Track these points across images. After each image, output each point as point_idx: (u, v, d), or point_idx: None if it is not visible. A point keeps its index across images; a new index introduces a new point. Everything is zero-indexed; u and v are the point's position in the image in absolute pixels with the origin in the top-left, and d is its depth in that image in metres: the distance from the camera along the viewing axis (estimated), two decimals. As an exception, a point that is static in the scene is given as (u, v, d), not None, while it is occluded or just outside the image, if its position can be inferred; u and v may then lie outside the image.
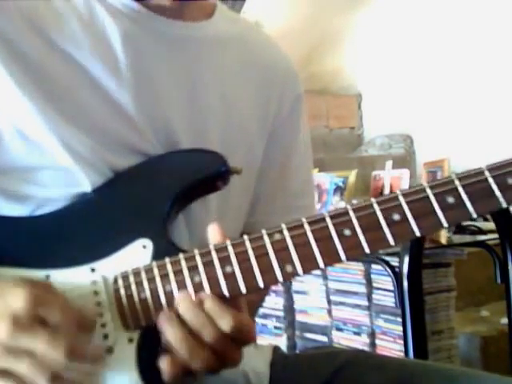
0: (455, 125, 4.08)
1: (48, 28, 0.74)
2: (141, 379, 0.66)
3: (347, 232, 0.64)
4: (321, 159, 3.37)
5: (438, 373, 0.87)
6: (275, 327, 2.21)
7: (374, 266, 1.90)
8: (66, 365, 0.61)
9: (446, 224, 0.63)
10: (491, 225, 2.09)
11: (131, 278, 0.68)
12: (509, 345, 1.96)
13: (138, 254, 0.70)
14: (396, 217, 0.64)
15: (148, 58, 0.78)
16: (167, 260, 0.68)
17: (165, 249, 0.70)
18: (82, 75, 0.74)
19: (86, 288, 0.69)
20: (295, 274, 0.65)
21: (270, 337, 2.21)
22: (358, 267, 1.94)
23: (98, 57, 0.75)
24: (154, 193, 0.74)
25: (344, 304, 2.00)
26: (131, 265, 0.69)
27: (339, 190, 2.17)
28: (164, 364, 0.64)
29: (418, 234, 0.63)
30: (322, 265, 0.65)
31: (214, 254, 0.67)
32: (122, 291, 0.68)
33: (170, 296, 0.66)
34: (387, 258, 1.77)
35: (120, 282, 0.68)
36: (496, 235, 2.00)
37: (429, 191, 0.64)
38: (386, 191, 2.01)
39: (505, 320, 2.04)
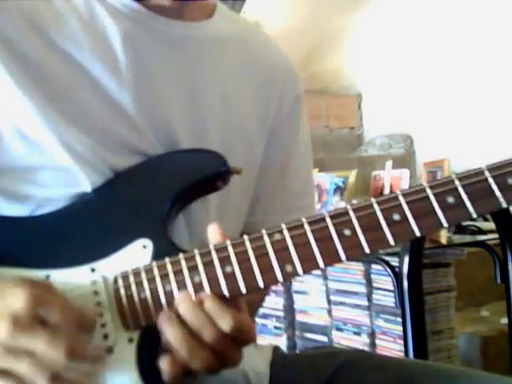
0: (455, 125, 4.08)
1: (48, 28, 0.74)
2: (141, 379, 0.66)
3: (347, 232, 0.64)
4: (321, 159, 3.37)
5: (438, 373, 0.87)
6: (275, 327, 2.21)
7: (374, 266, 1.90)
8: (65, 365, 0.61)
9: (445, 224, 0.63)
10: (491, 225, 2.09)
11: (131, 278, 0.68)
12: (509, 345, 1.96)
13: (137, 254, 0.70)
14: (396, 217, 0.64)
15: (148, 58, 0.78)
16: (167, 260, 0.68)
17: (165, 249, 0.70)
18: (82, 75, 0.74)
19: (86, 288, 0.69)
20: (295, 273, 0.65)
21: (270, 337, 2.21)
22: (358, 267, 1.94)
23: (97, 57, 0.75)
24: (153, 193, 0.73)
25: (344, 304, 2.00)
26: (131, 265, 0.69)
27: (339, 190, 2.17)
28: (164, 364, 0.64)
29: (417, 234, 0.63)
30: (321, 265, 0.65)
31: (213, 254, 0.67)
32: (122, 291, 0.68)
33: (170, 296, 0.66)
34: (387, 258, 1.77)
35: (120, 281, 0.68)
36: (496, 235, 2.00)
37: (429, 191, 0.64)
38: (386, 191, 2.01)
39: (505, 320, 2.04)
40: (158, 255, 0.69)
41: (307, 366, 0.92)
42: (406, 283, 1.65)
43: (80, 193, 0.73)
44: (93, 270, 0.70)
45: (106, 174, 0.74)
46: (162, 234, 0.72)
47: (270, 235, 0.66)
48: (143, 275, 0.68)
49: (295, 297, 2.17)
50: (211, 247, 0.67)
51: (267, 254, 0.65)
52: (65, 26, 0.75)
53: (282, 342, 2.16)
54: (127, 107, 0.75)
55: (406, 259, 1.65)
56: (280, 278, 0.65)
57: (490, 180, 0.63)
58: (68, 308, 0.63)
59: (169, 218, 0.73)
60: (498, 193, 0.62)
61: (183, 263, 0.67)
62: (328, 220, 0.65)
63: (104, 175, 0.74)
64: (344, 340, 2.00)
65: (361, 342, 1.95)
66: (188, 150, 0.79)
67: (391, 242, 0.64)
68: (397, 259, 1.71)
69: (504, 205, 0.62)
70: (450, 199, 0.63)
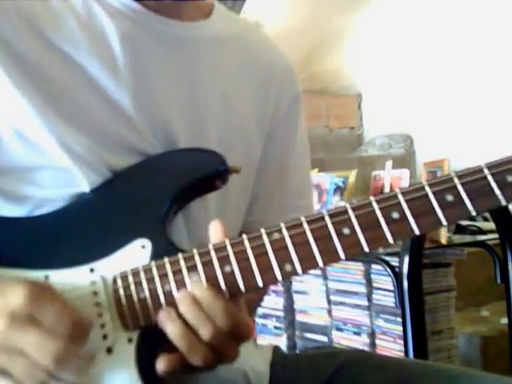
0: (455, 125, 4.08)
1: (46, 28, 0.74)
2: (140, 379, 0.66)
3: (346, 231, 0.64)
4: (321, 159, 3.37)
5: (438, 373, 0.87)
6: (275, 327, 2.21)
7: (374, 266, 1.90)
8: (52, 370, 0.60)
9: (445, 222, 0.63)
10: (491, 225, 2.09)
11: (130, 278, 0.68)
12: (509, 345, 1.96)
13: (136, 254, 0.70)
14: (395, 215, 0.64)
15: (146, 58, 0.78)
16: (166, 260, 0.68)
17: (164, 249, 0.70)
18: (81, 75, 0.74)
19: (85, 288, 0.69)
20: (294, 273, 0.65)
21: (270, 337, 2.22)
22: (357, 267, 1.94)
23: (96, 56, 0.75)
24: (152, 192, 0.73)
25: (344, 304, 2.00)
26: (130, 265, 0.69)
27: (339, 189, 2.17)
28: (161, 364, 0.64)
29: (417, 232, 0.63)
30: (321, 264, 0.65)
31: (213, 254, 0.66)
32: (121, 291, 0.68)
33: (169, 296, 0.66)
34: (387, 258, 1.77)
35: (119, 282, 0.68)
36: (496, 235, 2.00)
37: (428, 189, 0.64)
38: (386, 191, 2.01)
39: (505, 320, 2.04)
40: (156, 255, 0.69)
41: (307, 365, 0.92)
42: (405, 283, 1.65)
43: (79, 193, 0.73)
44: (92, 270, 0.70)
45: (105, 173, 0.74)
46: (161, 234, 0.72)
47: (268, 234, 0.66)
48: (142, 275, 0.68)
49: (295, 297, 2.17)
50: (210, 247, 0.67)
51: (266, 253, 0.65)
52: (63, 25, 0.75)
53: (282, 342, 2.16)
54: (126, 107, 0.75)
55: (406, 259, 1.65)
56: (279, 277, 0.65)
57: (489, 178, 0.63)
58: (65, 311, 0.63)
59: (167, 218, 0.73)
60: (497, 190, 0.62)
61: (182, 263, 0.67)
62: (327, 219, 0.65)
63: (102, 175, 0.74)
64: (344, 340, 2.00)
65: (361, 342, 1.95)
66: (187, 149, 0.79)
67: (390, 240, 0.64)
68: (397, 259, 1.71)
69: (503, 202, 0.62)
70: (449, 197, 0.63)
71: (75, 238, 0.72)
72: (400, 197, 0.64)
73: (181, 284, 0.66)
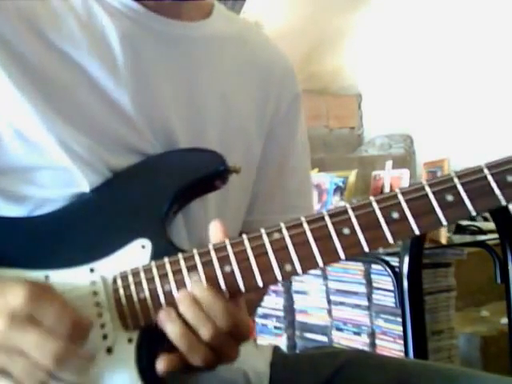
0: (455, 125, 4.08)
1: (46, 28, 0.74)
2: (140, 379, 0.66)
3: (346, 231, 0.64)
4: (321, 159, 3.37)
5: (438, 373, 0.87)
6: (275, 327, 2.21)
7: (374, 266, 1.90)
8: (52, 370, 0.60)
9: (445, 222, 0.63)
10: (491, 225, 2.09)
11: (130, 278, 0.68)
12: (509, 345, 1.96)
13: (136, 254, 0.70)
14: (395, 215, 0.64)
15: (146, 58, 0.78)
16: (166, 260, 0.68)
17: (164, 249, 0.70)
18: (80, 75, 0.74)
19: (85, 288, 0.69)
20: (294, 273, 0.65)
21: (270, 337, 2.22)
22: (357, 267, 1.94)
23: (96, 56, 0.75)
24: (152, 192, 0.73)
25: (344, 304, 2.00)
26: (130, 265, 0.69)
27: (339, 189, 2.17)
28: (161, 364, 0.64)
29: (417, 232, 0.63)
30: (321, 264, 0.65)
31: (213, 254, 0.66)
32: (121, 291, 0.68)
33: (169, 296, 0.66)
34: (387, 258, 1.77)
35: (119, 282, 0.68)
36: (496, 235, 2.00)
37: (428, 189, 0.64)
38: (386, 191, 2.01)
39: (505, 320, 2.04)
40: (156, 255, 0.69)
41: (307, 366, 0.92)
42: (405, 283, 1.65)
43: (78, 193, 0.73)
44: (92, 270, 0.70)
45: (105, 173, 0.74)
46: (161, 234, 0.72)
47: (268, 234, 0.66)
48: (142, 275, 0.68)
49: (295, 297, 2.17)
50: (210, 247, 0.67)
51: (266, 253, 0.65)
52: (62, 25, 0.75)
53: (282, 342, 2.16)
54: (125, 107, 0.75)
55: (406, 259, 1.65)
56: (279, 277, 0.65)
57: (489, 178, 0.63)
58: (65, 311, 0.63)
59: (167, 218, 0.73)
60: (497, 190, 0.62)
61: (182, 263, 0.67)
62: (327, 219, 0.65)
63: (102, 175, 0.74)
64: (344, 340, 2.00)
65: (361, 342, 1.95)
66: (187, 149, 0.79)
67: (390, 240, 0.64)
68: (397, 259, 1.71)
69: (503, 202, 0.62)
70: (449, 197, 0.63)
71: (75, 238, 0.72)
72: (400, 197, 0.64)
73: (181, 284, 0.66)
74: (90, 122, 0.74)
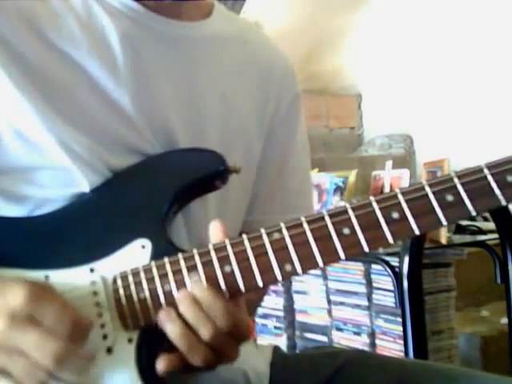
0: (455, 125, 4.08)
1: (46, 28, 0.74)
2: (140, 379, 0.66)
3: (346, 231, 0.64)
4: (321, 159, 3.37)
5: (438, 373, 0.87)
6: (275, 327, 2.21)
7: (374, 266, 1.90)
8: (52, 370, 0.60)
9: (445, 222, 0.63)
10: (491, 225, 2.09)
11: (130, 278, 0.68)
12: (509, 345, 1.96)
13: (136, 254, 0.70)
14: (395, 215, 0.64)
15: (146, 58, 0.78)
16: (166, 260, 0.68)
17: (164, 249, 0.70)
18: (80, 75, 0.74)
19: (85, 288, 0.69)
20: (294, 273, 0.65)
21: (270, 337, 2.22)
22: (357, 267, 1.94)
23: (95, 56, 0.75)
24: (152, 192, 0.73)
25: (344, 304, 2.00)
26: (130, 265, 0.69)
27: (339, 189, 2.17)
28: (161, 364, 0.64)
29: (417, 232, 0.63)
30: (321, 264, 0.65)
31: (213, 254, 0.66)
32: (121, 291, 0.68)
33: (169, 296, 0.66)
34: (387, 258, 1.77)
35: (119, 282, 0.68)
36: (496, 235, 2.00)
37: (428, 189, 0.64)
38: (386, 191, 2.01)
39: (505, 320, 2.04)
40: (156, 255, 0.69)
41: (307, 365, 0.92)
42: (405, 283, 1.65)
43: (78, 193, 0.73)
44: (92, 270, 0.70)
45: (105, 173, 0.74)
46: (161, 234, 0.72)
47: (268, 234, 0.66)
48: (142, 275, 0.68)
49: (295, 297, 2.17)
50: (210, 247, 0.67)
51: (266, 253, 0.65)
52: (62, 25, 0.75)
53: (282, 342, 2.16)
54: (125, 107, 0.75)
55: (406, 259, 1.65)
56: (279, 277, 0.65)
57: (489, 178, 0.63)
58: (65, 311, 0.63)
59: (167, 218, 0.73)
60: (497, 190, 0.62)
61: (182, 263, 0.67)
62: (327, 219, 0.65)
63: (102, 175, 0.74)
64: (344, 340, 2.00)
65: (361, 342, 1.95)
66: (187, 149, 0.79)
67: (390, 240, 0.64)
68: (397, 259, 1.71)
69: (503, 202, 0.63)
70: (449, 197, 0.63)
71: (75, 238, 0.72)
72: (400, 197, 0.64)
73: (181, 284, 0.66)
74: (89, 121, 0.74)
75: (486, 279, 2.16)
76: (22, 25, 0.73)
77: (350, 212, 0.65)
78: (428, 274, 1.83)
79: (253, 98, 0.88)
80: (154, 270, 0.67)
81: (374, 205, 0.64)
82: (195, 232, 0.79)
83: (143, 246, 0.70)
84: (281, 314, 2.19)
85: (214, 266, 0.66)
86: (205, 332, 0.64)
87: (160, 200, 0.73)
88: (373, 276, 1.91)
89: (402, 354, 1.74)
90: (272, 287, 2.12)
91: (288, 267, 0.65)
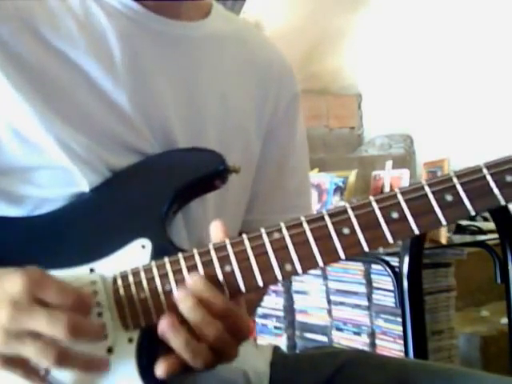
0: (455, 125, 4.08)
1: (43, 28, 0.74)
2: (141, 379, 0.66)
3: (346, 230, 0.64)
4: (321, 159, 3.36)
5: (437, 373, 0.87)
6: (275, 327, 2.21)
7: (374, 266, 1.90)
8: (68, 340, 0.61)
9: (444, 222, 0.63)
10: (491, 225, 2.09)
11: (130, 278, 0.68)
12: (509, 345, 1.96)
13: (136, 253, 0.70)
14: (395, 215, 0.64)
15: (145, 58, 0.78)
16: (166, 260, 0.68)
17: (164, 248, 0.70)
18: (78, 75, 0.74)
19: (85, 288, 0.69)
20: (294, 272, 0.65)
21: (270, 337, 2.21)
22: (357, 267, 1.94)
23: (94, 56, 0.75)
24: (152, 192, 0.73)
25: (344, 304, 2.00)
26: (130, 265, 0.69)
27: (339, 189, 2.17)
28: (160, 369, 0.64)
29: (416, 231, 0.63)
30: (321, 263, 0.65)
31: (213, 253, 0.66)
32: (122, 291, 0.68)
33: (169, 296, 0.66)
34: (387, 258, 1.77)
35: (119, 281, 0.68)
36: (496, 235, 2.00)
37: (427, 189, 0.64)
38: (386, 191, 2.01)
39: (505, 320, 2.04)
40: (156, 255, 0.69)
41: (307, 365, 0.92)
42: (405, 283, 1.65)
43: (78, 193, 0.73)
44: (92, 270, 0.70)
45: (104, 173, 0.74)
46: (161, 234, 0.72)
47: (268, 234, 0.66)
48: (142, 275, 0.68)
49: (295, 297, 2.17)
50: (210, 246, 0.67)
51: (266, 252, 0.65)
52: (60, 25, 0.75)
53: (282, 342, 2.16)
54: (124, 106, 0.75)
55: (406, 259, 1.65)
56: (279, 276, 0.65)
57: (488, 177, 0.63)
58: (65, 288, 0.64)
59: (167, 218, 0.73)
60: (496, 190, 0.63)
61: (182, 262, 0.67)
62: (327, 218, 0.65)
63: (102, 175, 0.74)
64: (344, 340, 2.00)
65: (361, 342, 1.95)
66: (186, 149, 0.79)
67: (390, 240, 0.64)
68: (397, 259, 1.71)
69: (502, 202, 0.63)
70: (449, 197, 0.63)
71: (75, 237, 0.72)
72: (399, 196, 0.64)
73: (181, 284, 0.66)
74: (88, 121, 0.74)
75: (486, 279, 2.16)
76: (20, 25, 0.73)
77: (350, 212, 0.65)
78: (428, 274, 1.83)
79: (252, 97, 0.88)
80: (155, 270, 0.67)
81: (374, 204, 0.64)
82: (195, 232, 0.79)
83: (143, 246, 0.70)
84: (281, 313, 2.19)
85: (214, 265, 0.66)
86: (208, 331, 0.64)
87: (160, 200, 0.73)
88: (373, 276, 1.91)
89: (402, 354, 1.73)
90: (272, 287, 2.12)
91: (288, 267, 0.65)
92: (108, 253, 0.71)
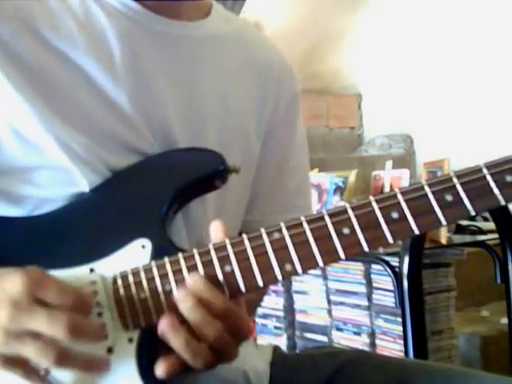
0: (455, 125, 4.08)
1: (43, 28, 0.74)
2: (141, 379, 0.66)
3: (346, 230, 0.64)
4: (321, 159, 3.37)
5: (437, 373, 0.87)
6: (275, 327, 2.21)
7: (374, 266, 1.90)
8: (68, 340, 0.61)
9: (444, 222, 0.63)
10: (491, 225, 2.09)
11: (130, 278, 0.68)
12: (509, 345, 1.96)
13: (136, 253, 0.70)
14: (395, 215, 0.64)
15: (145, 58, 0.78)
16: (166, 260, 0.68)
17: (164, 248, 0.70)
18: (78, 75, 0.74)
19: (85, 288, 0.69)
20: (294, 272, 0.65)
21: (270, 337, 2.22)
22: (357, 267, 1.94)
23: (94, 56, 0.75)
24: (152, 192, 0.73)
25: (344, 304, 2.00)
26: (130, 265, 0.69)
27: (339, 189, 2.17)
28: (160, 369, 0.64)
29: (416, 231, 0.64)
30: (321, 263, 0.65)
31: (213, 253, 0.66)
32: (122, 291, 0.68)
33: (169, 296, 0.66)
34: (387, 258, 1.77)
35: (119, 282, 0.68)
36: (496, 235, 2.00)
37: (427, 189, 0.64)
38: (386, 191, 2.01)
39: (505, 320, 2.04)
40: (156, 255, 0.69)
41: (307, 365, 0.92)
42: (405, 283, 1.65)
43: (78, 193, 0.73)
44: (92, 270, 0.70)
45: (104, 173, 0.74)
46: (161, 234, 0.72)
47: (268, 234, 0.66)
48: (142, 275, 0.68)
49: (295, 297, 2.17)
50: (210, 246, 0.67)
51: (266, 252, 0.65)
52: (60, 25, 0.75)
53: (282, 342, 2.16)
54: (123, 106, 0.75)
55: (406, 259, 1.65)
56: (279, 276, 0.65)
57: (488, 177, 0.63)
58: (65, 288, 0.64)
59: (167, 218, 0.73)
60: (496, 190, 0.63)
61: (182, 262, 0.67)
62: (327, 218, 0.65)
63: (102, 175, 0.74)
64: (344, 340, 2.00)
65: (361, 342, 1.95)
66: (186, 149, 0.79)
67: (390, 240, 0.64)
68: (397, 259, 1.71)
69: (502, 202, 0.63)
70: (449, 197, 0.63)
71: (75, 237, 0.72)
72: (399, 196, 0.64)
73: (181, 284, 0.66)
74: (88, 121, 0.74)
75: (486, 279, 2.16)
76: (20, 25, 0.73)
77: (350, 212, 0.65)
78: (428, 274, 1.83)
79: (251, 97, 0.88)
80: (155, 270, 0.67)
81: (374, 204, 0.65)
82: (195, 232, 0.79)
83: (143, 246, 0.70)
84: (281, 313, 2.19)
85: (214, 265, 0.66)
86: (208, 332, 0.64)
87: (160, 200, 0.73)
88: (373, 276, 1.91)
89: (402, 354, 1.74)
90: (272, 287, 2.12)
91: (288, 267, 0.65)
92: (108, 253, 0.71)
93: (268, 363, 0.91)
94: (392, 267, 1.75)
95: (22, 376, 0.63)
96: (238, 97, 0.86)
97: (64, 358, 0.62)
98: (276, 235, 0.66)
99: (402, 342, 1.73)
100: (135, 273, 0.68)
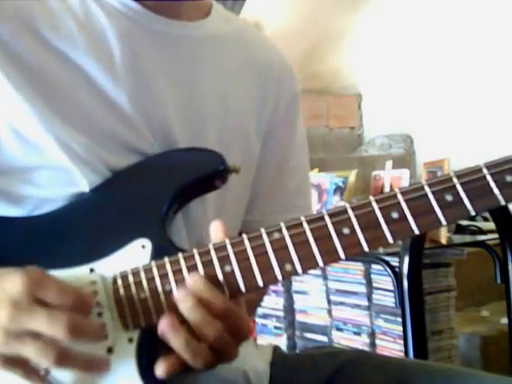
0: (455, 125, 4.08)
1: (43, 28, 0.74)
2: (141, 379, 0.66)
3: (346, 230, 0.64)
4: (321, 159, 3.37)
5: (437, 373, 0.87)
6: (275, 327, 2.21)
7: (374, 266, 1.90)
8: (68, 340, 0.61)
9: (444, 222, 0.63)
10: (491, 225, 2.09)
11: (130, 278, 0.68)
12: (509, 345, 1.96)
13: (136, 253, 0.70)
14: (395, 215, 0.64)
15: (145, 58, 0.78)
16: (166, 260, 0.68)
17: (164, 248, 0.70)
18: (78, 75, 0.74)
19: (85, 288, 0.69)
20: (294, 272, 0.65)
21: (270, 337, 2.22)
22: (357, 267, 1.94)
23: (94, 56, 0.75)
24: (152, 192, 0.73)
25: (344, 304, 2.00)
26: (130, 265, 0.69)
27: (339, 189, 2.17)
28: (160, 369, 0.64)
29: (416, 231, 0.64)
30: (321, 263, 0.65)
31: (213, 253, 0.66)
32: (122, 291, 0.68)
33: (169, 296, 0.66)
34: (387, 258, 1.77)
35: (119, 282, 0.68)
36: (496, 235, 2.00)
37: (427, 189, 0.64)
38: (386, 191, 2.01)
39: (505, 320, 2.04)
40: (156, 255, 0.69)
41: (307, 365, 0.92)
42: (405, 283, 1.65)
43: (78, 193, 0.73)
44: (92, 270, 0.70)
45: (104, 173, 0.74)
46: (161, 234, 0.72)
47: (268, 234, 0.66)
48: (142, 275, 0.68)
49: (295, 297, 2.17)
50: (210, 246, 0.67)
51: (266, 252, 0.65)
52: (60, 25, 0.75)
53: (282, 342, 2.16)
54: (123, 106, 0.75)
55: (406, 259, 1.65)
56: (279, 276, 0.65)
57: (488, 177, 0.63)
58: (65, 288, 0.64)
59: (167, 218, 0.73)
60: (496, 190, 0.63)
61: (182, 262, 0.67)
62: (327, 218, 0.65)
63: (102, 175, 0.74)
64: (344, 340, 2.00)
65: (361, 342, 1.95)
66: (186, 149, 0.79)
67: (390, 240, 0.64)
68: (397, 259, 1.71)
69: (502, 202, 0.63)
70: (449, 197, 0.63)
71: (75, 237, 0.72)
72: (399, 196, 0.64)
73: (181, 284, 0.66)
74: (88, 121, 0.74)
75: (486, 279, 2.16)
76: (20, 25, 0.73)
77: (350, 212, 0.65)
78: (428, 274, 1.83)
79: (251, 97, 0.88)
80: (155, 270, 0.67)
81: (374, 204, 0.65)
82: (195, 232, 0.79)
83: (143, 246, 0.70)
84: (281, 313, 2.19)
85: (214, 265, 0.66)
86: (208, 332, 0.64)
87: (160, 200, 0.73)
88: (373, 276, 1.91)
89: (402, 354, 1.74)
90: (272, 287, 2.12)
91: (288, 267, 0.65)
92: (108, 253, 0.71)
93: (268, 363, 0.91)
94: (392, 267, 1.75)
95: (22, 376, 0.63)
96: (238, 97, 0.86)
97: (64, 358, 0.62)
98: (276, 235, 0.66)
99: (402, 342, 1.73)
100: (135, 273, 0.68)
